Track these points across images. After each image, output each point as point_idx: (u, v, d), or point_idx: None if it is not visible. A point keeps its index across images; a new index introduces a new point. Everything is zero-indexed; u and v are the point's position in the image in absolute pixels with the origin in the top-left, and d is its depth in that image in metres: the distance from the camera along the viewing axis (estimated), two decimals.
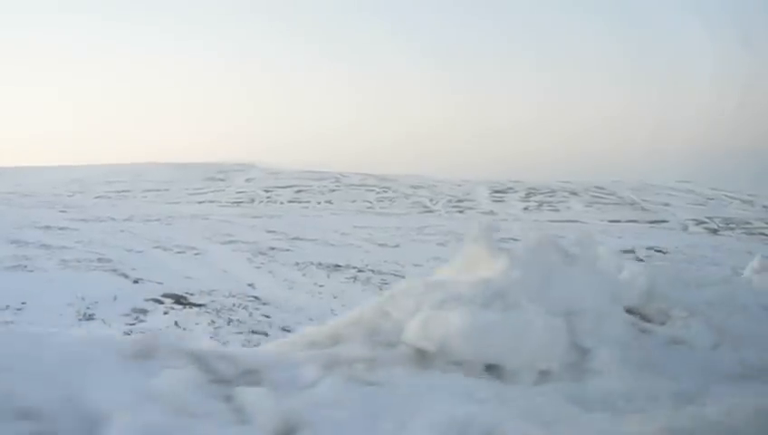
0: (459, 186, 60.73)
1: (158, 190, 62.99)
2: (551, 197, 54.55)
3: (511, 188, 57.79)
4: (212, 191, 61.09)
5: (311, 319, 13.46)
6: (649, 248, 23.33)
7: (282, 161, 78.91)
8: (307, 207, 49.89)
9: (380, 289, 15.36)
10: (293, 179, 63.34)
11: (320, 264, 16.32)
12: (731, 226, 46.16)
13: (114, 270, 13.90)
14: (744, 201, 56.30)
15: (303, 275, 15.65)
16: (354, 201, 54.84)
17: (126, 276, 13.62)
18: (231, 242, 17.86)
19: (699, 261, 23.06)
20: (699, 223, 47.12)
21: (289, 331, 12.90)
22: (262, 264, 16.05)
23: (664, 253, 23.04)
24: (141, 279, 13.52)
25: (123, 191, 62.70)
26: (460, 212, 50.07)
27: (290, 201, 55.50)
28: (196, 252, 16.69)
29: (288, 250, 17.55)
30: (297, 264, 16.29)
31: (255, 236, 18.71)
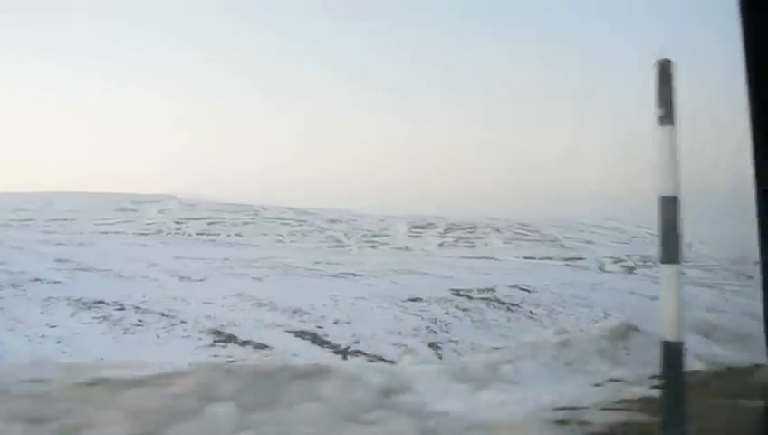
0: (381, 220, 58.70)
1: (65, 220, 59.41)
2: (470, 233, 52.77)
3: (432, 224, 55.87)
4: (120, 222, 57.84)
5: None
6: (513, 287, 21.14)
7: (203, 193, 75.99)
8: (215, 240, 47.08)
9: (126, 332, 12.70)
10: (209, 212, 60.56)
11: (78, 300, 13.62)
12: (648, 263, 44.77)
13: None
14: None
15: (42, 313, 12.93)
16: (266, 234, 52.27)
17: None
18: None
19: (569, 301, 20.98)
20: (617, 261, 45.65)
21: None
22: None
23: (529, 292, 20.88)
24: None
25: (27, 220, 58.99)
26: (373, 247, 47.78)
27: (198, 233, 52.61)
28: None
29: (57, 282, 14.81)
30: (48, 299, 13.57)
31: (31, 266, 15.93)
